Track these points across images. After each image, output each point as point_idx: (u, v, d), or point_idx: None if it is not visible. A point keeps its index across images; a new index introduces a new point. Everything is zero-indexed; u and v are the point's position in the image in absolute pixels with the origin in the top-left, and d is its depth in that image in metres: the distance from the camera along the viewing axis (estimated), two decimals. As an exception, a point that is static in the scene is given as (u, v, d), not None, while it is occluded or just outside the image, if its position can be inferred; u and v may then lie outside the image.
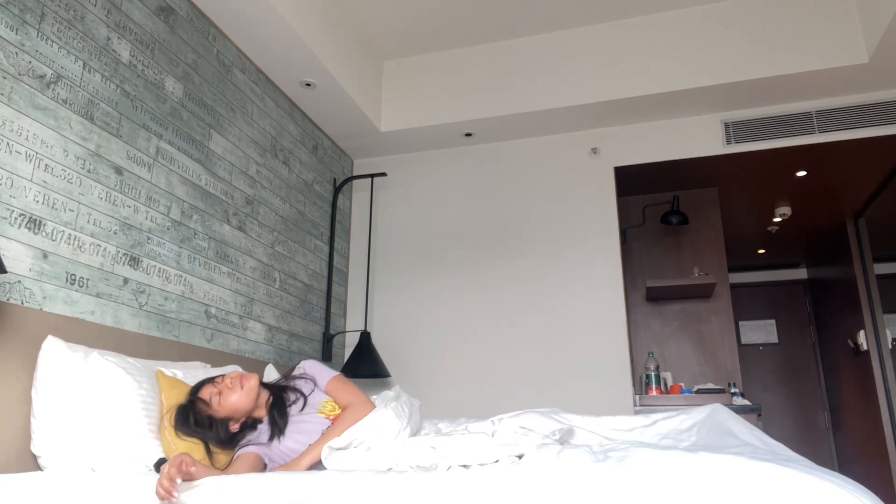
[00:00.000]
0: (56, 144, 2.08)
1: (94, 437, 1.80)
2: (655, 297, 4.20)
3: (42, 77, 2.05)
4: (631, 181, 4.11)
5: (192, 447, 1.87)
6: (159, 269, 2.50)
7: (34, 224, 1.99)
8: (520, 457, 1.60)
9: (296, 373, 2.16)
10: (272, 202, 3.33)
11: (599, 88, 3.63)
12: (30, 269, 1.96)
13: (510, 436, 1.72)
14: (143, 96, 2.49)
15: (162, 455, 1.86)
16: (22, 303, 1.92)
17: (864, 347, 4.79)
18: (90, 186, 2.21)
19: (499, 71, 3.85)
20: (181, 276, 2.62)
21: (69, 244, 2.11)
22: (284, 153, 3.49)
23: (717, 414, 1.84)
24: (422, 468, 1.69)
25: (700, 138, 3.73)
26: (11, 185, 1.92)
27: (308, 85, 3.44)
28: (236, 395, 1.93)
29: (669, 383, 3.92)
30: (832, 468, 5.53)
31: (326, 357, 3.71)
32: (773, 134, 3.61)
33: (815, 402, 5.76)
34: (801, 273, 6.15)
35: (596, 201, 3.80)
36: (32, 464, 1.81)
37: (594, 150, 3.88)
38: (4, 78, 1.93)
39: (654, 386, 3.63)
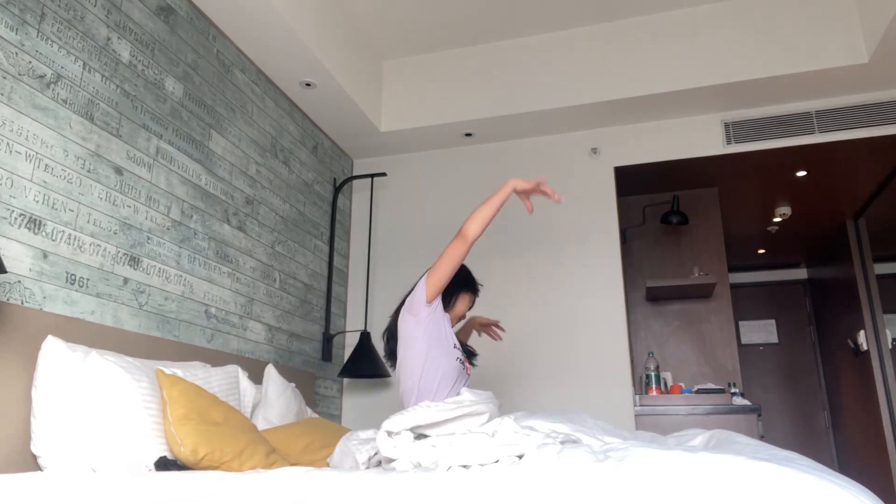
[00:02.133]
0: (56, 144, 2.08)
1: (94, 437, 1.80)
2: (655, 297, 4.20)
3: (42, 77, 2.05)
4: (631, 181, 4.11)
5: (214, 443, 1.86)
6: (159, 269, 2.50)
7: (34, 224, 1.99)
8: (520, 457, 1.60)
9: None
10: (272, 202, 3.33)
11: (599, 88, 3.63)
12: (30, 269, 1.96)
13: (510, 436, 1.72)
14: (143, 96, 2.49)
15: (163, 454, 1.86)
16: (22, 303, 1.92)
17: (864, 347, 4.79)
18: (90, 186, 2.21)
19: (499, 71, 3.85)
20: (181, 276, 2.62)
21: (69, 244, 2.11)
22: (284, 153, 3.49)
23: (721, 432, 1.86)
24: (422, 468, 1.69)
25: (700, 138, 3.73)
26: (11, 185, 1.92)
27: (308, 85, 3.44)
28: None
29: (669, 383, 3.92)
30: (832, 468, 5.53)
31: (326, 357, 3.71)
32: (773, 134, 3.61)
33: (815, 402, 5.76)
34: (801, 273, 6.15)
35: (596, 201, 3.80)
36: (32, 464, 1.81)
37: (594, 150, 3.88)
38: (4, 78, 1.93)
39: (654, 386, 3.62)
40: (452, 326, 2.33)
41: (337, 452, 2.08)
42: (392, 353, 2.27)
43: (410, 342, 2.12)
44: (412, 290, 2.18)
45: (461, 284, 2.27)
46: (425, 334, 2.09)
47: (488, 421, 1.93)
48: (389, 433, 1.86)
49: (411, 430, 1.88)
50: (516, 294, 3.79)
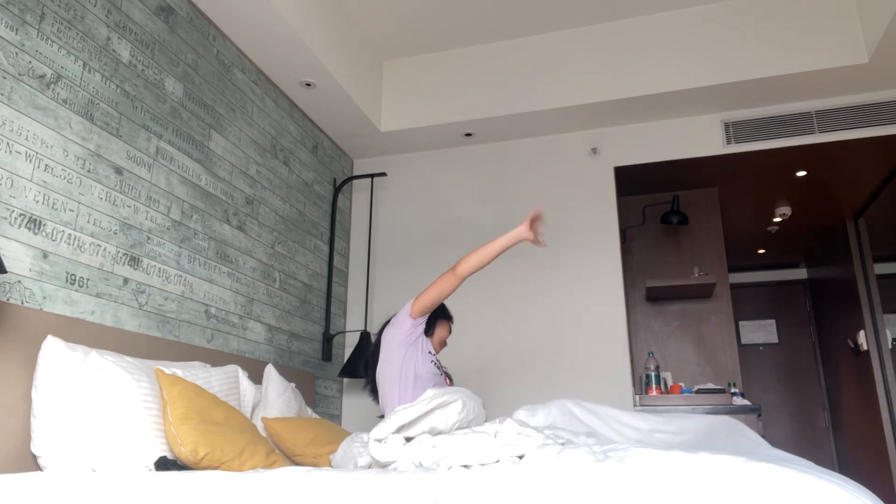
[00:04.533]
0: (56, 144, 2.08)
1: (94, 436, 1.80)
2: (655, 297, 4.20)
3: (42, 77, 2.05)
4: (631, 181, 4.11)
5: (214, 443, 1.86)
6: (159, 269, 2.50)
7: (34, 224, 1.99)
8: (521, 457, 1.60)
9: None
10: (272, 202, 3.33)
11: (599, 88, 3.62)
12: (30, 269, 1.96)
13: (511, 436, 1.73)
14: (143, 96, 2.49)
15: (163, 454, 1.86)
16: (22, 303, 1.92)
17: (864, 347, 4.79)
18: (90, 186, 2.21)
19: (499, 71, 3.85)
20: (181, 276, 2.62)
21: (69, 244, 2.11)
22: (284, 153, 3.49)
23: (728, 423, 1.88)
24: (423, 468, 1.69)
25: (700, 138, 3.73)
26: (11, 185, 1.92)
27: (308, 85, 3.44)
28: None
29: (669, 383, 3.92)
30: (832, 468, 5.53)
31: (326, 357, 3.71)
32: (773, 134, 3.61)
33: (815, 402, 5.76)
34: (801, 273, 6.15)
35: (596, 201, 3.80)
36: (32, 464, 1.81)
37: (594, 150, 3.88)
38: (4, 78, 1.93)
39: (654, 386, 3.62)
40: (437, 352, 2.46)
41: (339, 452, 2.09)
42: (366, 367, 2.40)
43: (389, 351, 2.25)
44: (396, 314, 2.35)
45: (439, 314, 2.44)
46: (402, 343, 2.24)
47: (463, 409, 1.96)
48: (379, 440, 1.88)
49: (397, 432, 1.90)
50: (516, 294, 3.79)
